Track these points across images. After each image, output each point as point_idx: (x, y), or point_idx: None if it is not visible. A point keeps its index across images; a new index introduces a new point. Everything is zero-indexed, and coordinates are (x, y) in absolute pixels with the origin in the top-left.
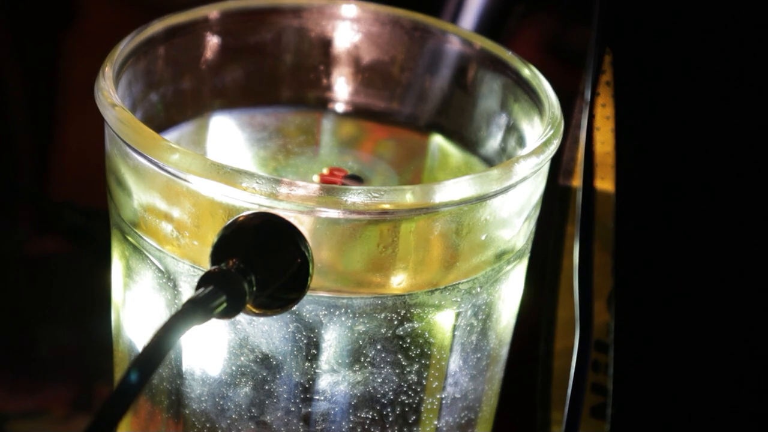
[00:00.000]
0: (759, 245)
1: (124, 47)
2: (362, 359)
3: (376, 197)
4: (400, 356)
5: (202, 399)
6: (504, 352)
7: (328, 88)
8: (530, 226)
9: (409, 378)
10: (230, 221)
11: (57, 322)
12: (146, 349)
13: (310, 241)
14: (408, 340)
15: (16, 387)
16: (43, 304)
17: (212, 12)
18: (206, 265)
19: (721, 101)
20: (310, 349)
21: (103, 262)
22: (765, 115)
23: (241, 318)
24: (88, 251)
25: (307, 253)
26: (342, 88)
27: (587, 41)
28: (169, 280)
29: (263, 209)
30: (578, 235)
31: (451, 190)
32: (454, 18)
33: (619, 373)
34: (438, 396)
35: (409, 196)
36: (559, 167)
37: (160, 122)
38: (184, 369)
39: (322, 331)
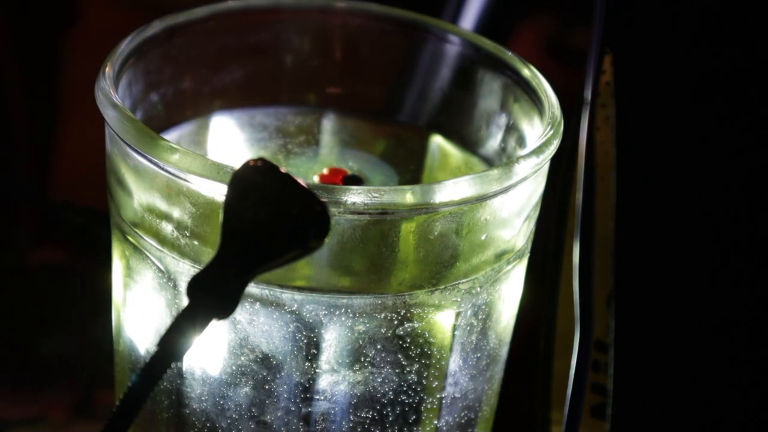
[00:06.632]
0: (759, 245)
1: (124, 47)
2: (362, 359)
3: (376, 197)
4: (400, 356)
5: (202, 399)
6: (504, 352)
7: (328, 88)
8: (530, 226)
9: (409, 378)
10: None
11: (56, 329)
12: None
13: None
14: (408, 340)
15: (15, 393)
16: (43, 311)
17: (212, 12)
18: None
19: (722, 101)
20: (310, 348)
21: (103, 268)
22: (766, 115)
23: (241, 318)
24: (87, 257)
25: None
26: (342, 88)
27: (587, 41)
28: (169, 280)
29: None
30: (578, 235)
31: (451, 190)
32: (454, 18)
33: (619, 373)
34: (438, 396)
35: (409, 196)
36: (559, 167)
37: (160, 122)
38: (184, 369)
39: (322, 331)
